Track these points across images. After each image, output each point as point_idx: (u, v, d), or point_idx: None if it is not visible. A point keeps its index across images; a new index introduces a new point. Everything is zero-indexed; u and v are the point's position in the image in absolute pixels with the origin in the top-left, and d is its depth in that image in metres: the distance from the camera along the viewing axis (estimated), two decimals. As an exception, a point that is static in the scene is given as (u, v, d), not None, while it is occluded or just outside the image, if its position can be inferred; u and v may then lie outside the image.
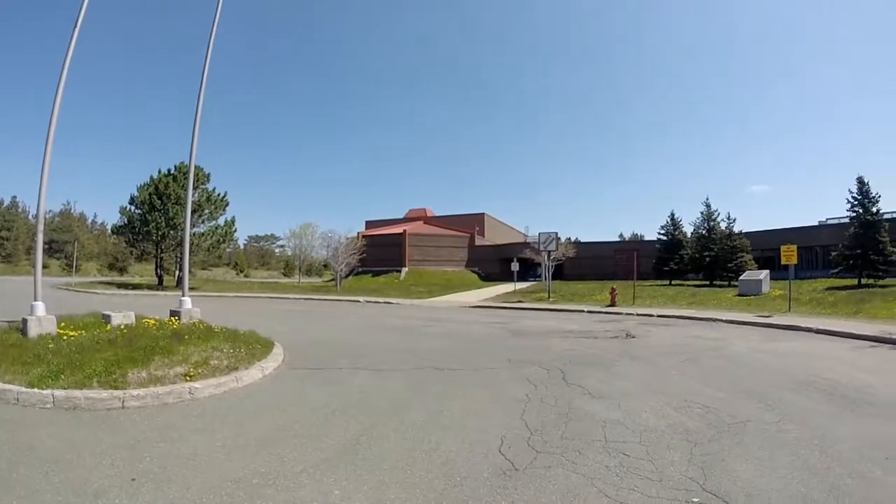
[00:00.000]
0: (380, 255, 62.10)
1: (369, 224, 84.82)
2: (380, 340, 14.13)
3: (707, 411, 7.12)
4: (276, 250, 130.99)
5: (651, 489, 4.45)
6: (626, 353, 12.17)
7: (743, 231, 42.43)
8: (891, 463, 5.26)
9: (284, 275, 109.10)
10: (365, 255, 55.18)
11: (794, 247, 22.83)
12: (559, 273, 50.83)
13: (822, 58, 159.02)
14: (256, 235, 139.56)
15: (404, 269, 62.05)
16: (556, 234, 35.97)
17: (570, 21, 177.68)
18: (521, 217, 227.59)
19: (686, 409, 7.20)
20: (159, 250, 51.01)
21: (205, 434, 6.06)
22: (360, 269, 56.45)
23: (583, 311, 25.08)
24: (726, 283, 37.65)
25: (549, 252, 36.62)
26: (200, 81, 15.10)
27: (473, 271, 64.89)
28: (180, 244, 33.41)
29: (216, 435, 6.03)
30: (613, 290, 28.56)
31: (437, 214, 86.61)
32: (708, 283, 40.13)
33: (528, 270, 55.83)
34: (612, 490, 4.42)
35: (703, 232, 43.29)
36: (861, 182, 33.62)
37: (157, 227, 47.33)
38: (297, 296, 37.71)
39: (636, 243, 68.72)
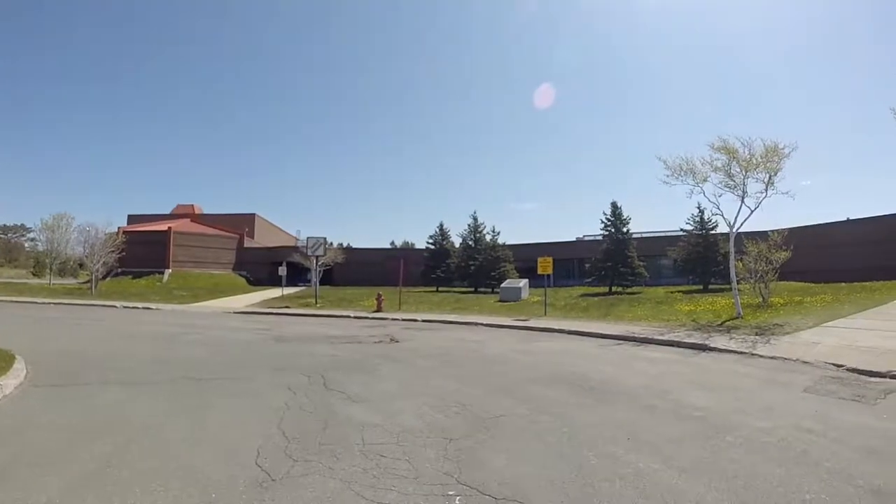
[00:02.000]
0: (142, 254, 56.17)
1: (132, 219, 76.53)
2: (136, 350, 13.95)
3: (463, 409, 7.74)
4: (26, 244, 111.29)
5: (408, 487, 4.80)
6: (388, 357, 12.87)
7: (507, 243, 48.02)
8: (631, 443, 6.16)
9: (34, 274, 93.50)
10: (125, 253, 49.65)
11: (551, 259, 26.23)
12: (329, 278, 51.28)
13: (579, 94, 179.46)
14: (4, 225, 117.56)
15: (168, 271, 57.00)
16: (325, 238, 37.37)
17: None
18: (294, 220, 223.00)
19: (443, 408, 7.75)
20: None
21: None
22: (119, 270, 50.71)
23: (349, 316, 26.29)
24: (490, 290, 41.31)
25: (318, 257, 36.76)
26: None
27: (242, 275, 61.96)
28: None
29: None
30: (380, 295, 29.58)
31: (207, 212, 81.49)
32: (473, 290, 44.08)
33: (299, 275, 54.89)
34: (370, 492, 4.70)
35: (470, 242, 47.75)
36: (615, 206, 41.47)
37: None
38: (46, 300, 36.25)
39: (406, 251, 72.68)
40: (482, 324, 21.57)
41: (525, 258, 44.96)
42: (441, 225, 51.36)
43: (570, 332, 18.02)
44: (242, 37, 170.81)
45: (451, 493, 4.68)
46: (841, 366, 10.79)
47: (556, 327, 19.05)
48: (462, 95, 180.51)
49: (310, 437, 6.30)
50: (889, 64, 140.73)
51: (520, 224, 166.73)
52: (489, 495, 4.64)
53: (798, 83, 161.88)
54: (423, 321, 23.27)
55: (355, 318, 25.35)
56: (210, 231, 66.40)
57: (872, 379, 9.79)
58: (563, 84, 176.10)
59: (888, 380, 9.67)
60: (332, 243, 52.76)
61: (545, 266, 25.35)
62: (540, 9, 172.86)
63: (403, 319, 23.88)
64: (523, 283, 35.16)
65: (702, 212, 39.05)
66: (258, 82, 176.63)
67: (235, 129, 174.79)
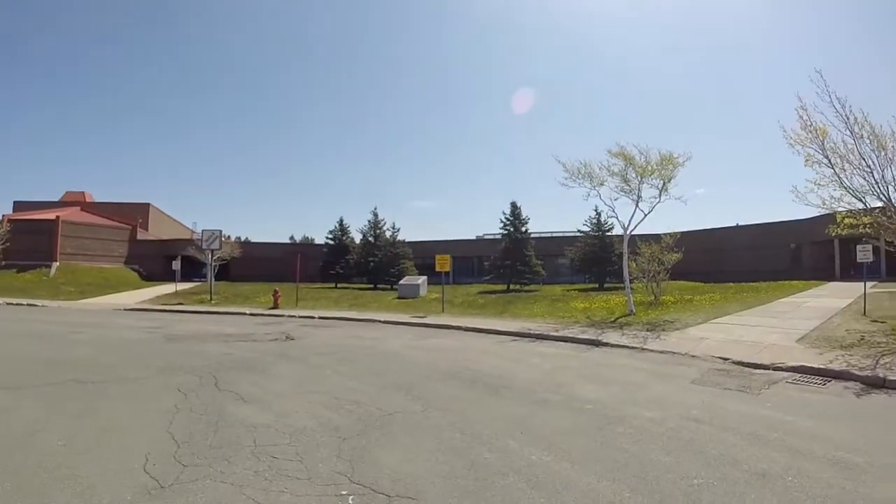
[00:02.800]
0: (28, 245, 51.49)
1: (19, 206, 70.44)
2: (18, 351, 13.24)
3: (358, 407, 7.64)
4: None
5: (301, 488, 4.73)
6: (283, 355, 12.62)
7: (407, 240, 48.25)
8: (524, 437, 6.23)
9: None
10: (9, 244, 45.69)
11: (448, 256, 26.53)
12: (225, 274, 49.33)
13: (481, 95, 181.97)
14: None
15: (55, 265, 52.72)
16: (221, 231, 35.47)
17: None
18: (191, 212, 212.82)
19: (337, 407, 7.65)
20: None
21: None
22: (3, 263, 46.66)
23: (245, 313, 25.58)
24: (389, 286, 41.17)
25: (213, 251, 35.19)
26: None
27: (134, 269, 58.36)
28: None
29: None
30: (276, 292, 28.92)
31: (98, 200, 76.36)
32: (372, 286, 43.93)
33: (194, 270, 52.51)
34: (262, 495, 4.61)
35: (371, 239, 47.62)
36: (514, 206, 42.85)
37: None
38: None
39: (305, 246, 71.05)
40: (380, 321, 21.46)
41: (425, 255, 45.13)
42: (341, 220, 51.09)
43: (466, 329, 18.15)
44: (147, 21, 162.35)
45: (344, 492, 4.63)
46: (727, 359, 11.36)
47: (454, 324, 19.15)
48: (370, 89, 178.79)
49: (200, 440, 6.10)
50: (777, 82, 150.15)
51: (422, 222, 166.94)
52: (383, 493, 4.62)
53: (697, 102, 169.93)
54: (321, 318, 22.97)
55: (251, 315, 24.75)
56: (101, 221, 62.31)
57: (756, 371, 10.37)
58: (476, 81, 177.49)
59: (771, 371, 10.28)
60: (229, 237, 50.96)
61: (443, 263, 25.52)
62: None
63: (300, 316, 23.46)
64: (422, 280, 35.26)
65: (599, 214, 40.90)
66: (160, 64, 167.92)
67: (130, 111, 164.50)
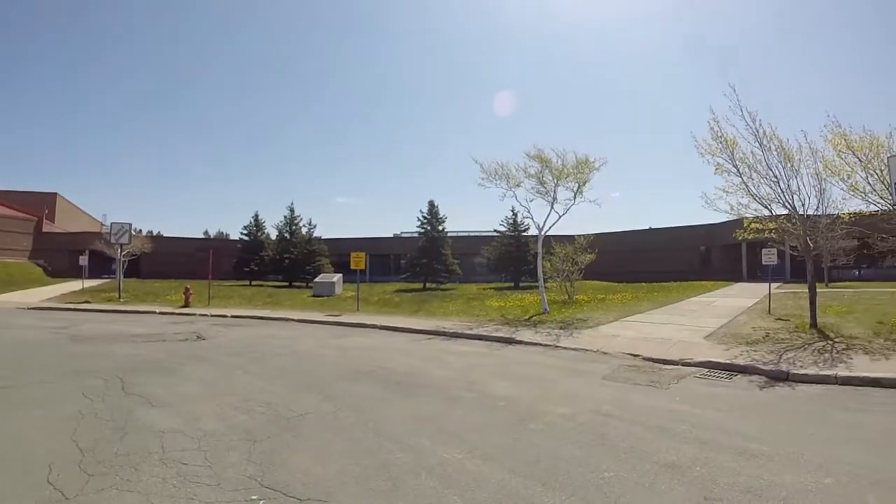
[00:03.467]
0: None
1: None
2: None
3: (269, 408, 7.51)
4: None
5: (210, 495, 4.66)
6: (193, 356, 12.24)
7: (323, 237, 47.81)
8: (437, 435, 6.25)
9: None
10: None
11: (363, 254, 26.25)
12: (135, 270, 47.02)
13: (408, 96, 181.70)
14: None
15: None
16: (130, 225, 33.49)
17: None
18: (102, 205, 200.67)
19: (248, 409, 7.48)
20: None
21: None
22: None
23: (155, 312, 24.61)
24: (304, 284, 40.76)
25: (122, 245, 33.42)
26: None
27: (39, 264, 54.76)
28: None
29: None
30: (188, 289, 27.84)
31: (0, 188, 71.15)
32: (287, 284, 43.48)
33: (103, 266, 49.81)
34: (169, 503, 4.52)
35: (286, 235, 47.04)
36: (431, 205, 43.48)
37: None
38: None
39: (220, 242, 68.53)
40: (294, 319, 21.10)
41: (342, 252, 44.82)
42: (256, 216, 50.27)
43: (381, 328, 18.03)
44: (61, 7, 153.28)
45: (254, 497, 4.58)
46: (637, 355, 11.70)
47: (368, 323, 19.01)
48: (295, 85, 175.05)
49: (106, 447, 5.87)
50: (702, 94, 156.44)
51: (340, 219, 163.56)
52: (294, 497, 4.58)
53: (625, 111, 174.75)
54: (234, 317, 22.35)
55: (161, 314, 23.86)
56: (3, 211, 58.31)
57: (666, 366, 10.72)
58: (404, 80, 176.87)
59: (680, 367, 10.64)
60: (139, 230, 48.88)
61: (357, 261, 25.22)
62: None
63: (212, 315, 22.74)
64: (337, 277, 34.81)
65: (515, 214, 41.76)
66: (74, 52, 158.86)
67: (37, 90, 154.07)
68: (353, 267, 25.21)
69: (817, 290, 14.96)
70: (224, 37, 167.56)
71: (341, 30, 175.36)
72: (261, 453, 5.59)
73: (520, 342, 14.15)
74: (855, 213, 15.56)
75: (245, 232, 49.51)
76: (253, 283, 44.24)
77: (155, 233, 70.60)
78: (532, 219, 22.08)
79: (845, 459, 5.38)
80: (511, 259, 40.58)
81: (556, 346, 13.32)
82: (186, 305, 26.72)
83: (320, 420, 6.90)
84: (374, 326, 18.25)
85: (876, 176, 13.47)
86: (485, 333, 15.56)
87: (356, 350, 13.32)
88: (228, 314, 23.05)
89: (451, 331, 16.31)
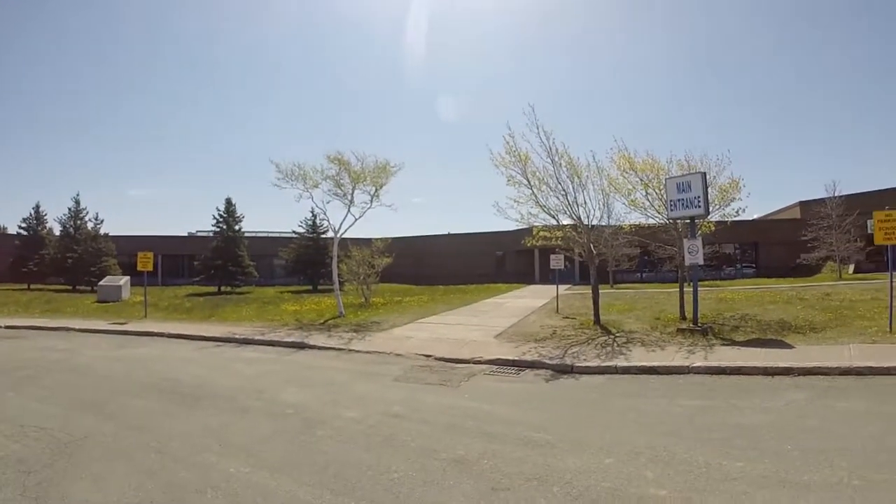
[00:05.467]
0: None
1: None
2: None
3: (44, 433, 6.72)
4: None
5: None
6: None
7: (112, 234, 42.29)
8: (223, 449, 6.03)
9: None
10: None
11: (151, 254, 23.95)
12: None
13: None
14: None
15: None
16: None
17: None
18: None
19: (21, 435, 6.64)
20: None
21: None
22: None
23: None
24: (90, 288, 36.05)
25: None
26: None
27: None
28: None
29: None
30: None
31: None
32: (71, 287, 38.14)
33: None
34: None
35: (71, 230, 40.79)
36: (229, 202, 41.14)
37: None
38: None
39: (-4, 236, 58.65)
40: (75, 328, 19.03)
41: (132, 252, 41.14)
42: (38, 206, 43.47)
43: (170, 336, 16.95)
44: None
45: None
46: (430, 356, 12.02)
47: (157, 330, 17.75)
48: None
49: None
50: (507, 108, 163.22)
51: (133, 214, 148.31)
52: None
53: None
54: (6, 328, 19.55)
55: None
56: None
57: (458, 365, 11.12)
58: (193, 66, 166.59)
59: (471, 365, 11.10)
60: None
61: (145, 262, 23.11)
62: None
63: (-21, 326, 19.76)
64: (124, 280, 31.68)
65: (315, 216, 41.03)
66: None
67: None
68: (140, 269, 22.97)
69: (603, 291, 16.41)
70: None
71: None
72: (36, 485, 5.04)
73: (313, 347, 13.99)
74: (635, 225, 17.65)
75: (24, 225, 42.54)
76: (32, 286, 38.55)
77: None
78: (328, 220, 22.09)
79: (625, 440, 5.93)
80: (309, 261, 40.06)
81: (350, 350, 13.32)
82: (-56, 316, 22.90)
83: (101, 442, 6.36)
84: (162, 334, 17.07)
85: (655, 194, 15.31)
86: (277, 339, 15.19)
87: (141, 361, 12.40)
88: (1, 325, 20.41)
89: (242, 337, 15.74)
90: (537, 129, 15.05)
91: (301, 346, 14.20)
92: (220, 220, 40.53)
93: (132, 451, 5.99)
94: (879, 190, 40.08)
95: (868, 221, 13.10)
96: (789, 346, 11.12)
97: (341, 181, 20.73)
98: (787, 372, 9.06)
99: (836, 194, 38.20)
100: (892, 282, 12.19)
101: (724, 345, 11.70)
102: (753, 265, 46.19)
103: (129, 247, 40.67)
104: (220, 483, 4.98)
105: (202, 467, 5.40)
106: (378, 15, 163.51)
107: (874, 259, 37.83)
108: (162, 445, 6.14)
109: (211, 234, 43.28)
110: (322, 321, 18.91)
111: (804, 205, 44.64)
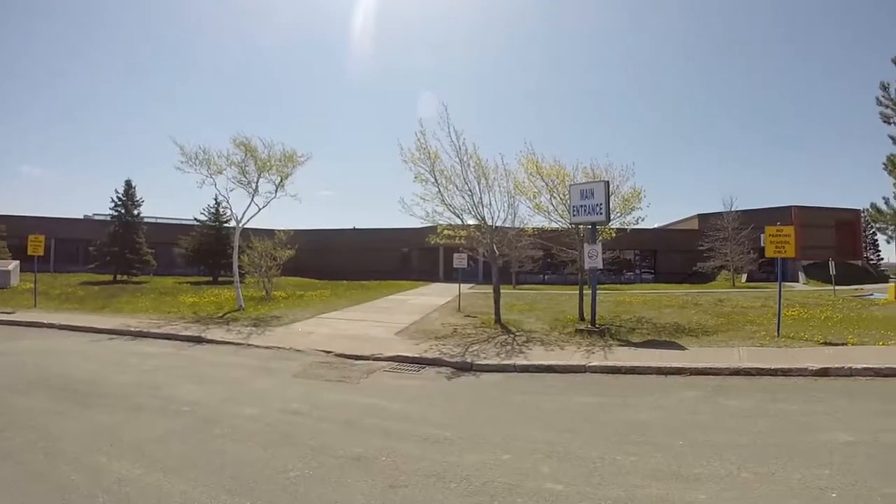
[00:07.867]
0: None
1: None
2: None
3: None
4: None
5: None
6: None
7: (4, 213, 40.20)
8: (115, 449, 5.81)
9: None
10: None
11: (42, 237, 22.48)
12: None
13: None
14: None
15: None
16: None
17: None
18: None
19: None
20: None
21: None
22: None
23: None
24: None
25: None
26: None
27: None
28: None
29: None
30: None
31: None
32: None
33: None
34: None
35: None
36: (129, 184, 39.24)
37: None
38: None
39: None
40: (-45, 320, 17.72)
41: (23, 234, 38.73)
42: None
43: (61, 327, 16.05)
44: None
45: None
46: (330, 352, 11.98)
47: (46, 321, 16.75)
48: None
49: None
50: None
51: (24, 192, 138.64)
52: None
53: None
54: None
55: None
56: None
57: (358, 362, 11.14)
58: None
59: (371, 362, 11.13)
60: None
61: (36, 246, 21.62)
62: None
63: None
64: (13, 265, 29.73)
65: (218, 204, 39.73)
66: None
67: None
68: (30, 253, 21.62)
69: (505, 291, 16.81)
70: None
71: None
72: None
73: (211, 341, 13.65)
74: (539, 228, 18.18)
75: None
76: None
77: None
78: (230, 209, 21.52)
79: (522, 436, 6.15)
80: (210, 251, 38.74)
81: (248, 345, 13.09)
82: None
83: (-22, 446, 5.95)
84: (52, 325, 16.15)
85: (559, 199, 15.76)
86: (173, 332, 14.70)
87: (28, 355, 11.69)
88: None
89: (137, 329, 15.12)
90: (448, 128, 15.32)
91: (199, 340, 13.82)
92: (119, 203, 38.56)
93: (17, 453, 5.67)
94: (772, 207, 43.28)
95: (761, 235, 14.12)
96: (683, 348, 11.79)
97: (247, 168, 20.16)
98: (679, 372, 9.58)
99: (732, 209, 40.98)
100: (780, 290, 13.31)
101: (620, 345, 12.27)
102: (652, 271, 48.76)
103: (19, 228, 38.23)
104: (111, 486, 4.82)
105: (93, 469, 5.21)
106: None
107: (765, 269, 41.23)
108: (50, 446, 5.86)
109: (108, 219, 40.91)
110: (221, 314, 18.48)
111: (702, 217, 47.96)
